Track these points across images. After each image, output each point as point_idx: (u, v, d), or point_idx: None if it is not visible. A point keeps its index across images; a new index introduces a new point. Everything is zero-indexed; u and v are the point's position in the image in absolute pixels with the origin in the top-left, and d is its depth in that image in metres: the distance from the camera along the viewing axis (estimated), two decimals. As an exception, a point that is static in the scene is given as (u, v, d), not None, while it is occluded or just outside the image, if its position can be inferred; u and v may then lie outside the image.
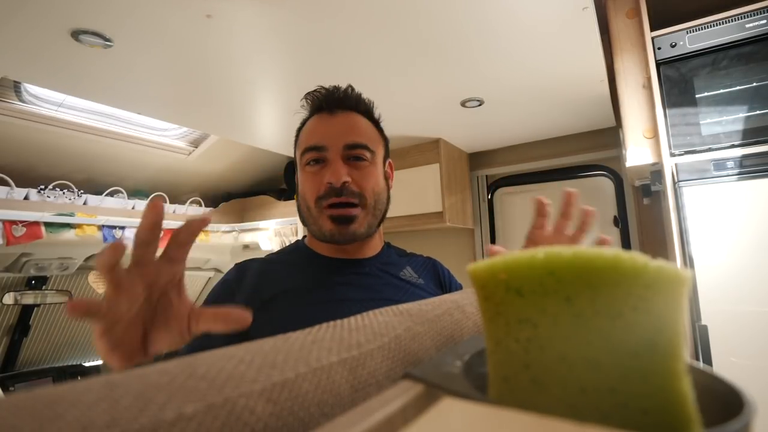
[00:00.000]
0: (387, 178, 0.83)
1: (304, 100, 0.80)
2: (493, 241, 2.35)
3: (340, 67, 1.28)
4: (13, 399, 0.14)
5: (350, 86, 0.80)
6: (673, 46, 1.29)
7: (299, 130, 0.82)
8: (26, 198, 1.96)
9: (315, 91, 0.79)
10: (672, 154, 1.27)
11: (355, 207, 0.73)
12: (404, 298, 0.76)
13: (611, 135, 2.01)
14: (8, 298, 2.22)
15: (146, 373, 0.17)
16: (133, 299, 0.42)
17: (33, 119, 1.86)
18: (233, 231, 2.76)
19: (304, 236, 0.89)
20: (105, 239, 2.17)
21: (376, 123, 0.83)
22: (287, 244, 2.49)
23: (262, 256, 0.85)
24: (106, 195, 2.26)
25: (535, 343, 0.20)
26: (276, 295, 0.72)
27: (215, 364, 0.18)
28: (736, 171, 1.17)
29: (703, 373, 0.22)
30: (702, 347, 1.12)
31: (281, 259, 0.82)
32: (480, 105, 1.64)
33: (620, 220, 2.02)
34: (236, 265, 0.80)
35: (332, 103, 0.77)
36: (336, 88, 0.78)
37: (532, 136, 2.16)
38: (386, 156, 0.83)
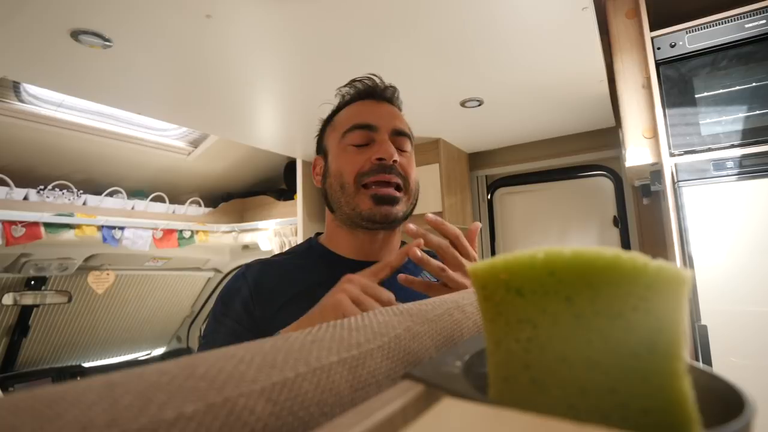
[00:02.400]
0: None
1: (348, 87, 0.79)
2: (492, 241, 2.35)
3: (340, 67, 1.28)
4: (13, 398, 0.14)
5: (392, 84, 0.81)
6: (672, 46, 1.29)
7: (332, 116, 0.81)
8: (25, 198, 1.96)
9: (363, 78, 0.79)
10: (671, 154, 1.27)
11: (399, 190, 0.73)
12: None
13: (611, 135, 2.01)
14: (7, 299, 2.22)
15: (146, 373, 0.17)
16: None
17: (32, 119, 1.86)
18: (233, 231, 2.76)
19: (317, 233, 0.86)
20: (104, 239, 2.17)
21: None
22: (287, 244, 2.50)
23: (269, 256, 0.82)
24: (106, 195, 2.26)
25: (535, 344, 0.20)
26: (292, 299, 0.69)
27: (215, 363, 0.18)
28: (735, 171, 1.17)
29: (703, 373, 0.22)
30: (701, 347, 1.13)
31: (295, 261, 0.79)
32: (479, 105, 1.64)
33: (620, 220, 2.02)
34: (246, 267, 0.77)
35: (382, 93, 0.79)
36: (383, 82, 0.79)
37: (531, 136, 2.16)
38: None
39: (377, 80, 0.79)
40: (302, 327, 0.54)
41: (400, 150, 0.75)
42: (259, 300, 0.70)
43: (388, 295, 0.53)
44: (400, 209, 0.72)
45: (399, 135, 0.75)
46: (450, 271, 0.59)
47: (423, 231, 0.61)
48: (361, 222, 0.72)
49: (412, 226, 0.61)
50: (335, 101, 0.83)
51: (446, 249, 0.60)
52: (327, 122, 0.82)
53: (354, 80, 0.79)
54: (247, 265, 0.77)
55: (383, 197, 0.70)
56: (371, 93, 0.78)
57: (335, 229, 0.79)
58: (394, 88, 0.80)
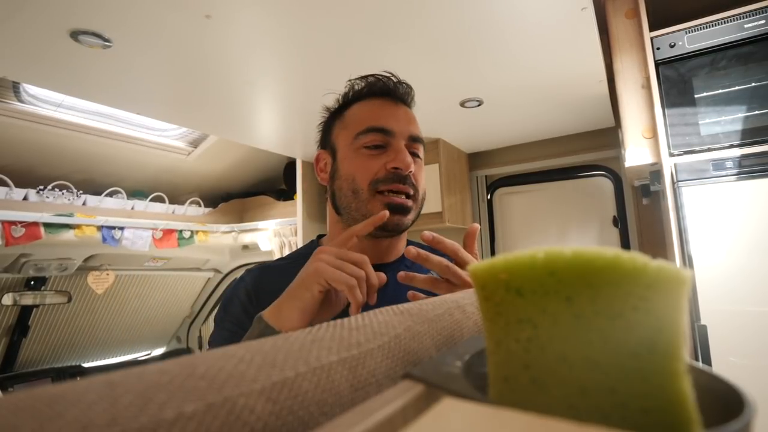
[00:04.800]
0: None
1: (360, 81, 0.75)
2: (492, 241, 2.35)
3: (340, 67, 1.28)
4: (13, 398, 0.14)
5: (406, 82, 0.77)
6: (672, 47, 1.29)
7: (341, 109, 0.77)
8: (25, 198, 1.96)
9: (379, 75, 0.75)
10: (671, 154, 1.27)
11: (410, 198, 0.71)
12: None
13: (610, 135, 2.01)
14: (7, 299, 2.22)
15: (146, 372, 0.17)
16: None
17: (32, 119, 1.86)
18: (232, 231, 2.76)
19: (320, 236, 0.85)
20: (104, 240, 2.17)
21: None
22: (286, 244, 2.50)
23: (270, 260, 0.81)
24: (105, 195, 2.26)
25: (535, 343, 0.20)
26: None
27: (215, 363, 0.18)
28: (735, 171, 1.17)
29: (703, 373, 0.22)
30: (701, 347, 1.13)
31: (296, 266, 0.75)
32: (479, 105, 1.64)
33: (619, 221, 2.02)
34: (246, 272, 0.76)
35: (399, 93, 0.75)
36: (400, 80, 0.75)
37: (531, 137, 2.16)
38: None
39: (395, 79, 0.75)
40: (284, 301, 0.54)
41: (414, 156, 0.73)
42: (259, 305, 0.68)
43: (361, 256, 0.54)
44: (410, 218, 0.72)
45: (415, 141, 0.73)
46: (455, 267, 0.58)
47: (425, 253, 0.59)
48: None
49: (426, 233, 0.60)
50: (340, 90, 0.78)
51: (446, 270, 0.58)
52: (335, 116, 0.78)
53: (370, 75, 0.75)
54: (248, 270, 0.77)
55: (398, 206, 0.69)
56: (388, 92, 0.74)
57: (339, 231, 0.76)
58: (410, 89, 0.76)
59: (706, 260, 1.16)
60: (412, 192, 0.70)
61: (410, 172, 0.69)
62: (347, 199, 0.71)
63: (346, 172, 0.71)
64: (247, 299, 0.71)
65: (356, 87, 0.76)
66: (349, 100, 0.77)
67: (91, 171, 2.28)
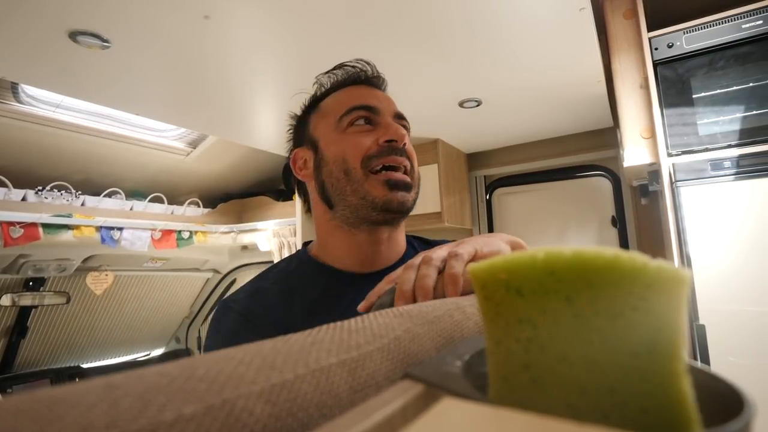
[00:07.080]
0: None
1: (340, 69, 0.72)
2: (491, 241, 2.35)
3: (339, 67, 1.28)
4: (13, 400, 0.14)
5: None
6: (670, 47, 1.29)
7: (315, 103, 0.73)
8: (24, 199, 1.95)
9: (356, 63, 0.73)
10: (669, 154, 1.27)
11: (407, 175, 0.66)
12: None
13: (609, 135, 2.01)
14: (6, 300, 2.21)
15: (146, 375, 0.17)
16: None
17: (30, 120, 1.86)
18: (231, 232, 2.76)
19: (306, 243, 0.77)
20: (103, 240, 2.17)
21: None
22: (285, 244, 2.50)
23: (253, 281, 0.70)
24: (104, 196, 2.25)
25: (535, 343, 0.20)
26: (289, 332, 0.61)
27: (214, 365, 0.18)
28: (733, 171, 1.17)
29: (702, 373, 0.22)
30: (700, 347, 1.13)
31: (285, 286, 0.66)
32: (478, 105, 1.65)
33: (618, 220, 2.03)
34: (230, 302, 0.65)
35: (375, 80, 0.73)
36: (376, 71, 0.74)
37: (530, 137, 2.17)
38: None
39: (371, 69, 0.73)
40: None
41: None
42: (255, 328, 0.60)
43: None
44: (412, 196, 0.65)
45: (401, 119, 0.69)
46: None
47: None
48: (371, 213, 0.63)
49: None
50: (311, 91, 0.75)
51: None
52: (310, 111, 0.73)
53: (342, 64, 0.72)
54: (231, 300, 0.65)
55: (398, 182, 0.62)
56: (365, 79, 0.72)
57: (331, 231, 0.68)
58: (384, 78, 0.75)
59: (704, 260, 1.16)
60: (408, 164, 0.65)
61: (404, 144, 0.64)
62: (339, 183, 0.64)
63: (334, 155, 0.65)
64: (242, 322, 0.61)
65: (331, 78, 0.73)
66: (323, 93, 0.73)
67: (89, 171, 2.27)
